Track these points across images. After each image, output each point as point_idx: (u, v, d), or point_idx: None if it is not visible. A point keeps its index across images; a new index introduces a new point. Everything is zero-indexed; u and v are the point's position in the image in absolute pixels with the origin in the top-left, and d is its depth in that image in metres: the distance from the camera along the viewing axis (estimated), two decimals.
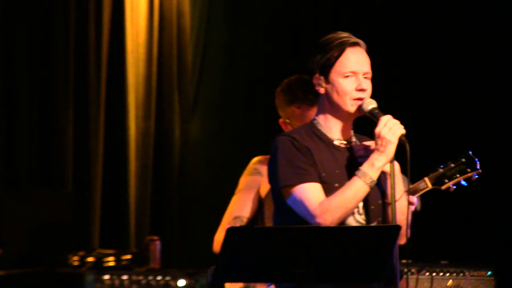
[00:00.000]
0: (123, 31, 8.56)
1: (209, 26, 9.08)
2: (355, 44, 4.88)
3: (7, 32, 8.13)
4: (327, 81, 4.84)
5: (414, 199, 5.04)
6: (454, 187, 5.17)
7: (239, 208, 6.13)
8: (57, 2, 8.35)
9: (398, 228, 4.57)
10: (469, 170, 5.15)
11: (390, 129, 4.72)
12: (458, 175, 5.16)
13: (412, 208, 5.02)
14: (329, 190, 4.78)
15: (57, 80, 8.34)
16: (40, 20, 8.32)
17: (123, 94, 8.57)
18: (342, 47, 4.85)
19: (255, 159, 6.14)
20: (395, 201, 4.80)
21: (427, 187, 5.17)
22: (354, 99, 4.81)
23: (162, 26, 8.81)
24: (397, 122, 4.73)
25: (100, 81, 8.45)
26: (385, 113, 4.77)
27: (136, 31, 8.64)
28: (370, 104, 4.78)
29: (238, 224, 6.01)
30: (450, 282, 7.04)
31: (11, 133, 8.17)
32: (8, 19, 8.11)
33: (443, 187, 5.17)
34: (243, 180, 6.17)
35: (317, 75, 4.86)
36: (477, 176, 5.16)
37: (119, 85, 8.55)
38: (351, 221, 4.86)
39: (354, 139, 4.95)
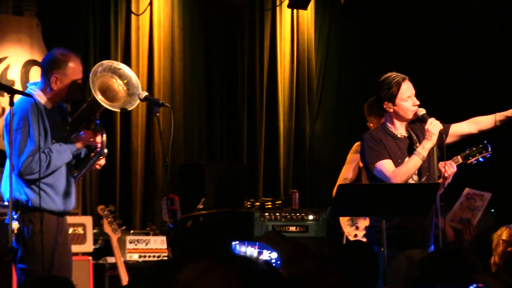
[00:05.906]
0: (276, 70, 8.52)
1: (326, 66, 8.93)
2: (404, 79, 4.89)
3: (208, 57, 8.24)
4: (394, 104, 4.87)
5: (455, 167, 4.99)
6: (475, 162, 5.10)
7: (347, 173, 6.16)
8: (238, 53, 8.42)
9: (438, 184, 4.68)
10: (484, 152, 5.08)
11: (434, 126, 4.79)
12: (477, 155, 5.09)
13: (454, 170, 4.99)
14: (396, 164, 4.82)
15: (236, 93, 8.38)
16: (229, 60, 8.40)
17: (276, 106, 8.52)
18: (399, 83, 4.86)
19: (356, 144, 6.13)
20: (437, 166, 4.85)
21: (459, 161, 5.09)
22: (413, 111, 4.89)
23: (299, 67, 8.69)
24: (437, 122, 4.80)
25: (262, 98, 8.46)
26: (430, 116, 4.85)
27: (283, 70, 8.59)
28: (421, 111, 4.87)
29: (345, 182, 6.04)
30: None
31: (210, 125, 8.28)
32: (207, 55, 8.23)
33: (468, 162, 5.10)
34: (349, 156, 6.23)
35: (386, 102, 4.88)
36: (489, 156, 5.09)
37: (273, 101, 8.52)
38: (410, 181, 4.86)
39: (408, 131, 4.95)
